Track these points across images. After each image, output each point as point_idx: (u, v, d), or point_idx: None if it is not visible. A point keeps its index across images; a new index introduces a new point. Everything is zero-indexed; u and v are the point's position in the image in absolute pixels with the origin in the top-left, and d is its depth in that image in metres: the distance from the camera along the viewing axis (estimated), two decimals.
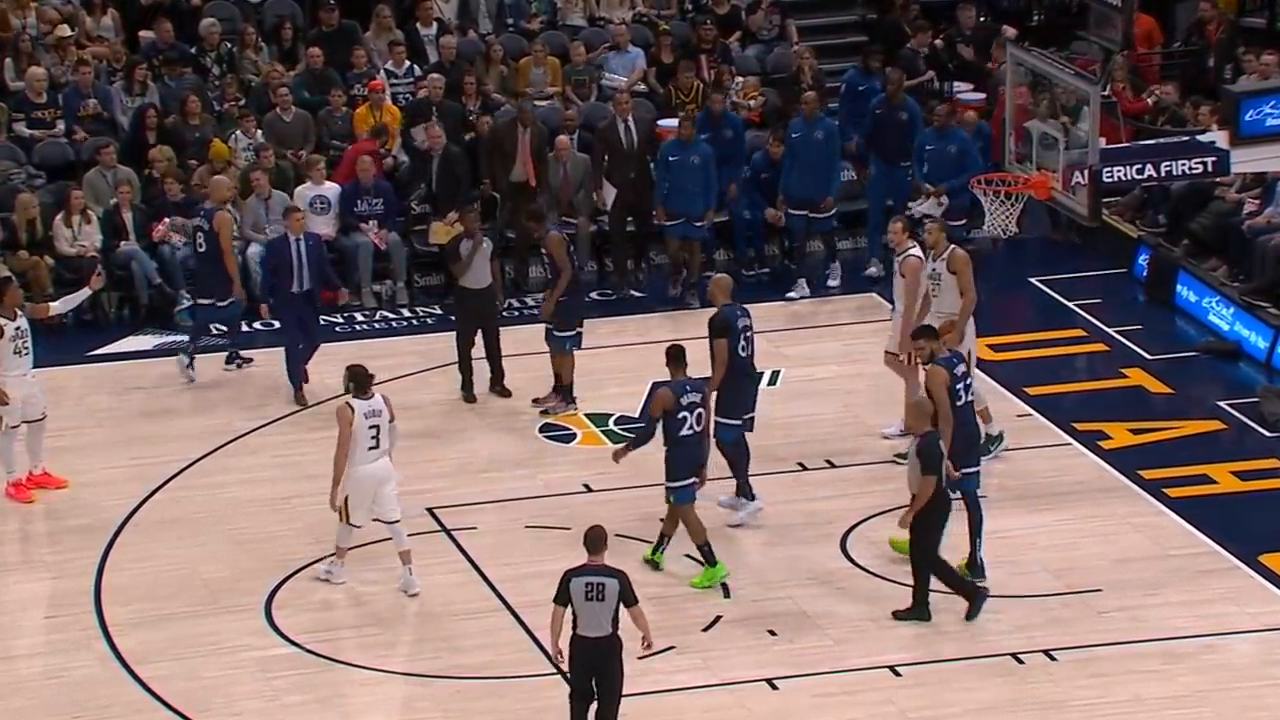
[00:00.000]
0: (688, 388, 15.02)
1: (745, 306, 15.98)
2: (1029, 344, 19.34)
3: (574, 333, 17.45)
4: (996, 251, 20.44)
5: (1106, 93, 18.12)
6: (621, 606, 12.48)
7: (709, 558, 14.99)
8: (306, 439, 17.25)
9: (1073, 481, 16.59)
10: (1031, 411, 17.81)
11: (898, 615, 14.43)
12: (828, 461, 16.88)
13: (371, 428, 14.58)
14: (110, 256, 19.91)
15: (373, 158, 20.27)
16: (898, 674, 13.95)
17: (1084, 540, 15.64)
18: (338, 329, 19.41)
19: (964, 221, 19.85)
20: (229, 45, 21.91)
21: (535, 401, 17.52)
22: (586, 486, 16.36)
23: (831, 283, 20.22)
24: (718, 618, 14.55)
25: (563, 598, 12.51)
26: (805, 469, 16.78)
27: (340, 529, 14.85)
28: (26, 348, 16.15)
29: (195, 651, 14.23)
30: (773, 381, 18.32)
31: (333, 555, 14.99)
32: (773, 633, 14.42)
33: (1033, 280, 20.71)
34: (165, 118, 20.89)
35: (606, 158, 20.21)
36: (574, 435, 17.13)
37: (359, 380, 14.72)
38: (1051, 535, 15.71)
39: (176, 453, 17.08)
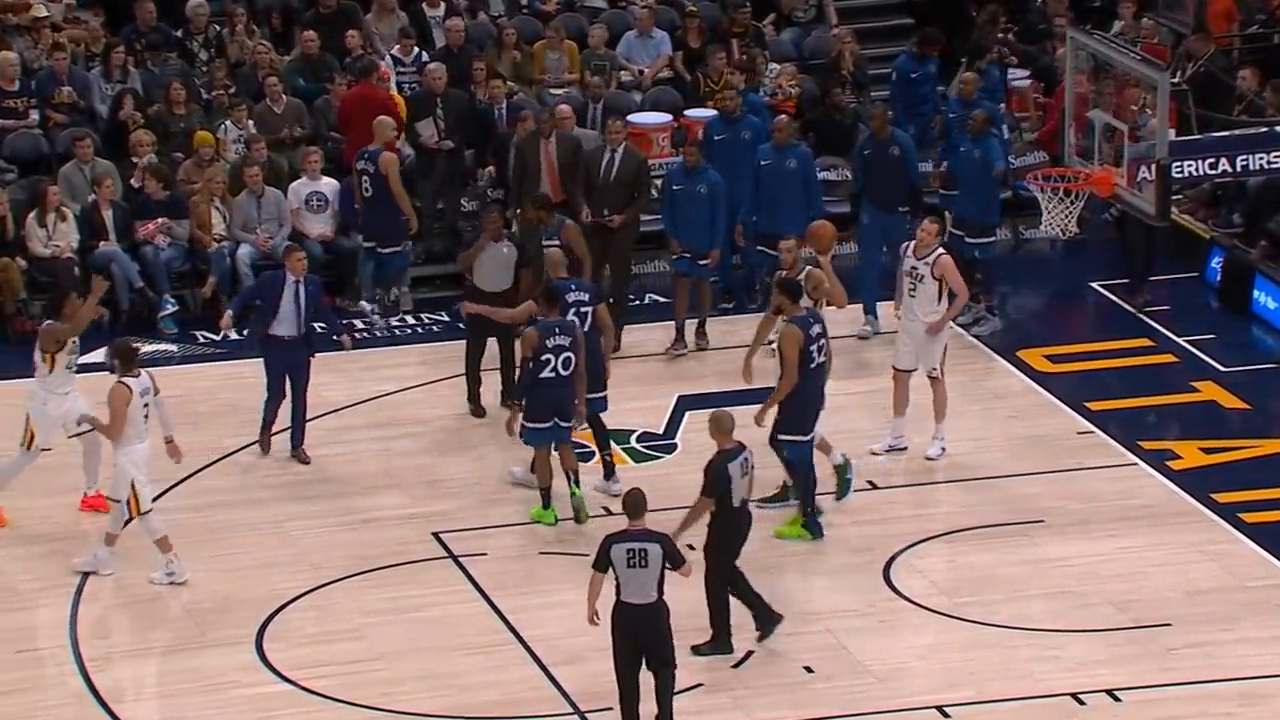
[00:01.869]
0: (556, 330, 15.73)
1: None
2: (1090, 355, 19.30)
3: None
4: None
5: (1177, 80, 18.08)
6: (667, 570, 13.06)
7: (545, 499, 15.95)
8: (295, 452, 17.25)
9: (1139, 505, 16.54)
10: (1094, 429, 17.77)
11: (696, 650, 14.29)
12: (870, 482, 16.84)
13: (144, 406, 15.18)
14: (88, 258, 19.93)
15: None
16: (946, 715, 13.91)
17: (1152, 570, 15.58)
18: (336, 338, 19.37)
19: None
20: (217, 29, 21.95)
21: None
22: (606, 509, 16.33)
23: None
24: (749, 653, 14.52)
25: (603, 564, 13.05)
26: (877, 487, 16.72)
27: (119, 519, 15.26)
28: (76, 364, 16.34)
29: (180, 689, 14.21)
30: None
31: (170, 556, 15.22)
32: (809, 669, 14.39)
33: (1094, 285, 20.67)
34: (148, 106, 20.92)
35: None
36: (593, 453, 17.09)
37: (125, 357, 15.29)
38: (1116, 564, 15.66)
39: (159, 471, 17.04)
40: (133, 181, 20.21)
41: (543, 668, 14.31)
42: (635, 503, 13.23)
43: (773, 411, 15.59)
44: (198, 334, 19.73)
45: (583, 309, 16.39)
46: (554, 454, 16.11)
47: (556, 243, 17.41)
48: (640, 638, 13.15)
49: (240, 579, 15.52)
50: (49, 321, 16.32)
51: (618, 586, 13.10)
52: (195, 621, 14.98)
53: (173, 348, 19.57)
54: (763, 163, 19.02)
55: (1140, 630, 14.80)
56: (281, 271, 17.23)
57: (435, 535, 16.02)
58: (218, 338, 19.58)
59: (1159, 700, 14.05)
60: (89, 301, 16.58)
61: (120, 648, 14.68)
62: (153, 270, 19.95)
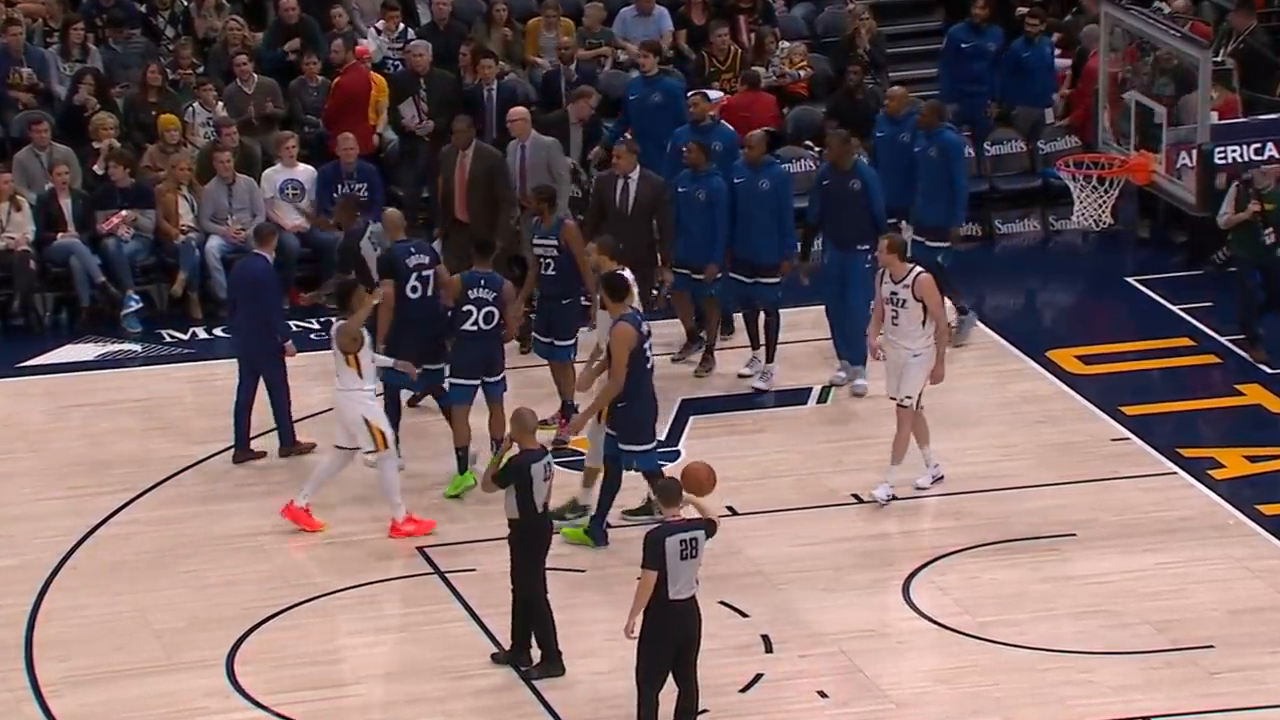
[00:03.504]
0: (481, 281, 16.34)
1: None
2: (1126, 355, 19.32)
3: (573, 341, 17.45)
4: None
5: (1219, 59, 18.14)
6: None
7: (461, 464, 16.42)
8: (276, 465, 17.27)
9: (1178, 518, 16.55)
10: (1129, 435, 17.79)
11: (526, 674, 14.35)
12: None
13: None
14: (45, 250, 19.96)
15: (359, 132, 20.25)
16: None
17: (1193, 587, 15.59)
18: (314, 336, 19.42)
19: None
20: (184, 3, 21.97)
21: (542, 424, 17.42)
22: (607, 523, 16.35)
23: (757, 384, 18.41)
24: (758, 676, 14.54)
25: (656, 560, 13.00)
26: (862, 501, 16.77)
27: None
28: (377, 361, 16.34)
29: (144, 715, 14.20)
30: (824, 398, 18.32)
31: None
32: (823, 694, 14.40)
33: (1130, 280, 20.70)
34: (110, 87, 20.93)
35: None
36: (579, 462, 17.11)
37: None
38: (1155, 581, 15.66)
39: (122, 482, 17.10)
40: (96, 168, 20.22)
41: (536, 693, 14.31)
42: (674, 491, 13.31)
43: (590, 419, 15.71)
44: (164, 333, 19.76)
45: (424, 272, 16.71)
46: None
47: (553, 242, 17.29)
48: (687, 634, 13.22)
49: (210, 597, 15.52)
50: (340, 321, 16.12)
51: (663, 584, 13.05)
52: (162, 643, 14.98)
53: (137, 348, 19.61)
54: (736, 180, 18.26)
55: (1179, 653, 14.79)
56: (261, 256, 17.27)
57: (420, 550, 16.03)
58: (185, 337, 19.60)
59: None
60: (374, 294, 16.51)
61: (80, 671, 14.67)
62: (115, 264, 19.96)
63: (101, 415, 18.29)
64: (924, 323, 16.31)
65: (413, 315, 16.58)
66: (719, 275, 18.41)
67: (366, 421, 16.05)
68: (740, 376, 18.59)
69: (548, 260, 17.29)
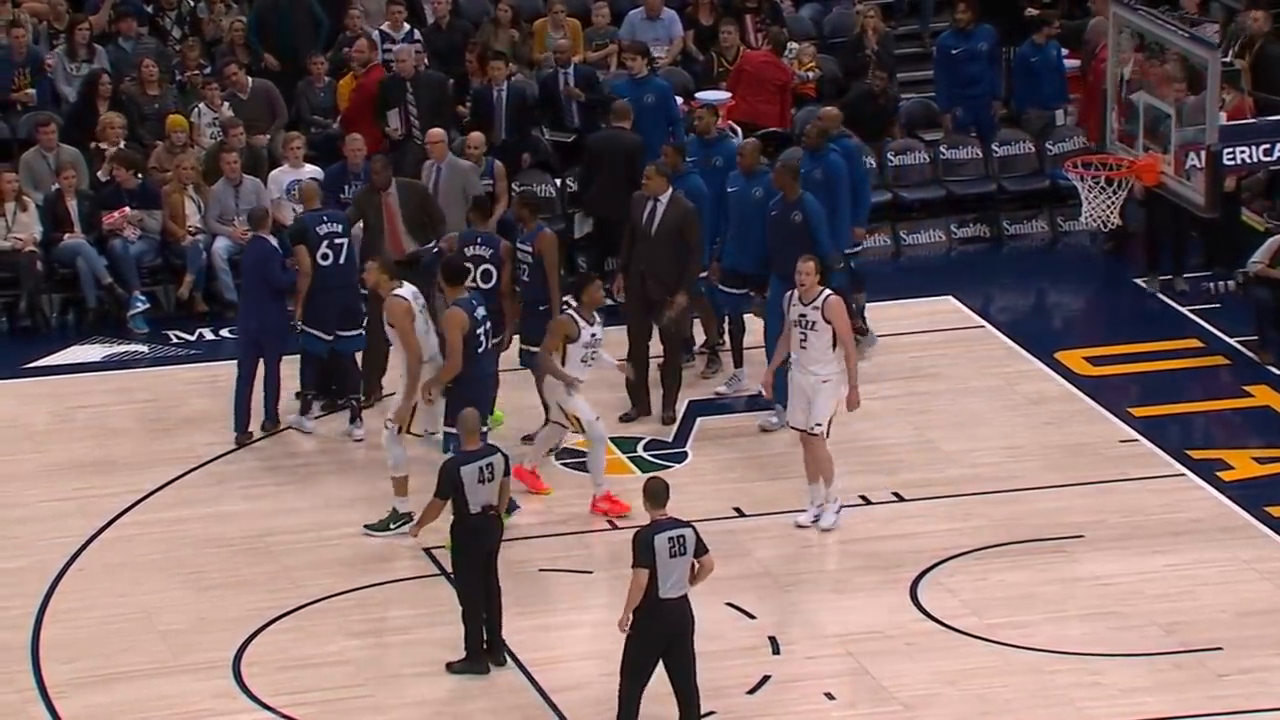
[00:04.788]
0: (478, 239, 16.90)
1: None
2: (1134, 356, 19.30)
3: None
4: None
5: (1228, 59, 18.11)
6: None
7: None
8: (283, 465, 17.29)
9: (1187, 520, 16.52)
10: (1138, 437, 17.77)
11: (449, 666, 14.46)
12: (895, 494, 16.86)
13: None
14: (51, 251, 19.95)
15: (374, 133, 20.21)
16: None
17: (1201, 589, 15.57)
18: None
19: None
20: (191, 3, 21.96)
21: (526, 439, 17.27)
22: (612, 523, 16.33)
23: (722, 388, 18.20)
24: (766, 678, 14.53)
25: (647, 559, 13.12)
26: (869, 502, 16.75)
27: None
28: (594, 358, 16.35)
29: (150, 717, 14.20)
30: None
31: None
32: (830, 696, 14.39)
33: (1138, 281, 20.68)
34: (118, 85, 20.92)
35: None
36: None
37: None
38: (1162, 583, 15.64)
39: (128, 483, 17.10)
40: (100, 175, 20.22)
41: (542, 694, 14.30)
42: (660, 492, 13.39)
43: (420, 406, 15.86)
44: (170, 334, 19.75)
45: (336, 240, 17.13)
46: None
47: (529, 249, 17.21)
48: (677, 632, 13.31)
49: (216, 598, 15.51)
50: (566, 311, 16.15)
51: (654, 584, 13.16)
52: (168, 644, 14.97)
53: (143, 349, 19.61)
54: (729, 189, 18.00)
55: (1188, 654, 14.77)
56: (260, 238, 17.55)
57: (426, 551, 16.00)
58: (192, 338, 19.59)
59: None
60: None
61: (87, 673, 14.66)
62: (121, 265, 19.95)
63: (108, 416, 18.29)
64: (833, 347, 15.90)
65: (326, 282, 16.95)
66: (701, 274, 18.07)
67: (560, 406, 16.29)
68: (716, 394, 18.32)
69: (524, 266, 17.26)
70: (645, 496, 13.47)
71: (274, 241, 17.52)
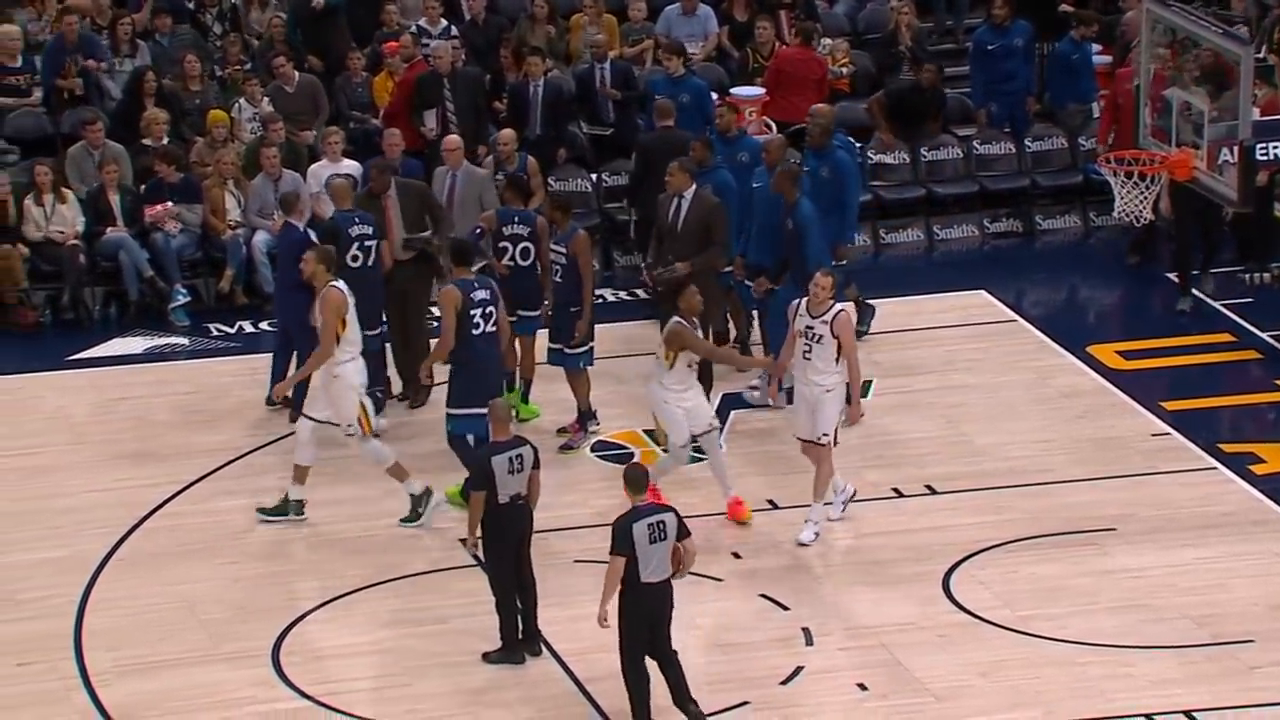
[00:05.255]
0: (515, 218, 17.11)
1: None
2: (1167, 351, 19.29)
3: (588, 348, 17.42)
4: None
5: (1261, 55, 18.11)
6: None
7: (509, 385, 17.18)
8: (320, 457, 17.30)
9: (1219, 513, 16.51)
10: (1170, 430, 17.77)
11: (486, 657, 14.53)
12: (928, 487, 16.88)
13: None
14: (94, 245, 20.07)
15: (404, 127, 20.28)
16: None
17: (1233, 582, 15.56)
18: None
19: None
20: (232, 1, 22.06)
21: (560, 431, 17.50)
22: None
23: (754, 394, 18.08)
24: (799, 668, 14.56)
25: (625, 546, 13.30)
26: (901, 495, 16.79)
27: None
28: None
29: (191, 705, 14.28)
30: (865, 393, 18.32)
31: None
32: (863, 686, 14.42)
33: (1170, 276, 20.66)
34: (159, 80, 21.02)
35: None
36: (632, 454, 17.16)
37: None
38: (1194, 576, 15.64)
39: (169, 474, 17.18)
40: (154, 175, 20.21)
41: (577, 683, 14.36)
42: (639, 478, 13.55)
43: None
44: (210, 327, 19.84)
45: (366, 242, 17.28)
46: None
47: (562, 249, 17.26)
48: (658, 617, 13.44)
49: (255, 588, 15.61)
50: (677, 319, 15.93)
51: (634, 569, 13.30)
52: (208, 633, 15.06)
53: (184, 341, 19.71)
54: (754, 185, 18.10)
55: (1219, 647, 14.77)
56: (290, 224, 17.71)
57: (462, 541, 16.06)
58: (231, 330, 19.68)
59: None
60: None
61: (128, 661, 14.76)
62: (163, 258, 20.06)
63: (149, 408, 18.38)
64: (837, 360, 15.83)
65: (353, 283, 16.73)
66: (727, 269, 18.10)
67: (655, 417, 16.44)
68: (750, 388, 18.35)
69: (557, 266, 17.31)
70: (625, 483, 13.57)
71: (303, 230, 17.51)
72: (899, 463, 17.18)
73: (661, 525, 13.41)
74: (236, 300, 20.22)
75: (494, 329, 16.14)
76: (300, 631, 15.08)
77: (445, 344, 16.06)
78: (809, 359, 15.81)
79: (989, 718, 14.07)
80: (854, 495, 16.31)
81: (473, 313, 15.97)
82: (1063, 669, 14.55)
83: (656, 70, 21.54)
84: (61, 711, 14.29)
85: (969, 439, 17.55)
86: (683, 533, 13.53)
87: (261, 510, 16.37)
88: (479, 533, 14.49)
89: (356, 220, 17.42)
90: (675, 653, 13.61)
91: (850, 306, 16.14)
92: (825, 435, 15.91)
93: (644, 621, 13.47)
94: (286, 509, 16.31)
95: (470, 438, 15.90)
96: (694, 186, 17.62)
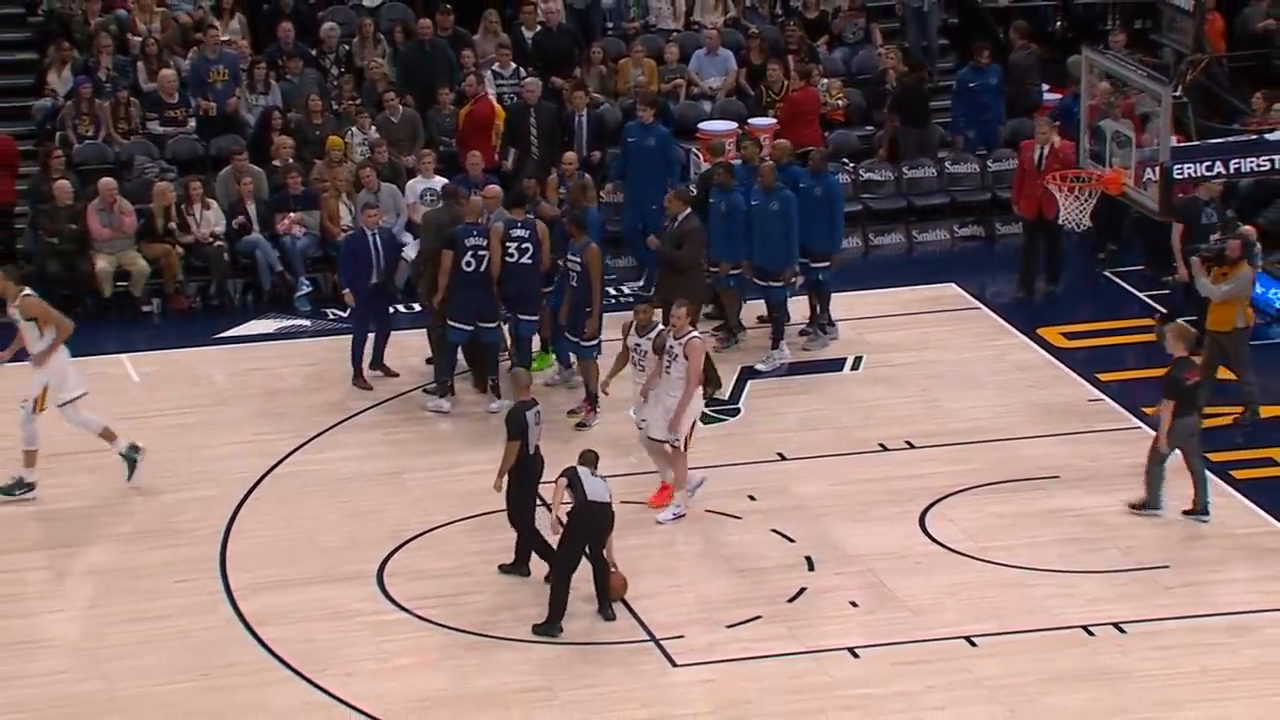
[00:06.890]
0: (518, 224, 17.14)
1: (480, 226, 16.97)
2: (1102, 332, 19.21)
3: (597, 340, 17.20)
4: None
5: (1178, 94, 18.01)
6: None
7: (543, 345, 17.77)
8: (415, 417, 17.40)
9: (1140, 465, 16.29)
10: (1103, 397, 17.71)
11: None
12: (907, 442, 16.85)
13: None
14: (235, 245, 20.17)
15: (484, 150, 20.29)
16: (974, 644, 13.94)
17: (1150, 521, 15.49)
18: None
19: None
20: (346, 48, 22.11)
21: (571, 413, 17.20)
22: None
23: (760, 365, 17.93)
24: (802, 589, 14.58)
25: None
26: (886, 449, 16.77)
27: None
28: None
29: (312, 615, 14.37)
30: (856, 366, 18.34)
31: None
32: (854, 604, 14.44)
33: (1106, 273, 20.56)
34: (287, 113, 21.08)
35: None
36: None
37: None
38: (1121, 514, 15.57)
39: (293, 430, 17.23)
40: (282, 188, 20.19)
41: (626, 604, 14.32)
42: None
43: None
44: (328, 312, 19.89)
45: (480, 251, 17.12)
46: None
47: (577, 259, 17.06)
48: (600, 530, 13.97)
49: (364, 522, 15.65)
50: (696, 335, 15.55)
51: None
52: (326, 558, 15.14)
53: (306, 323, 19.73)
54: (753, 203, 17.94)
55: (1142, 571, 14.78)
56: (361, 230, 17.76)
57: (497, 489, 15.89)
58: (345, 315, 19.75)
59: (1158, 632, 14.05)
60: None
61: (263, 580, 14.84)
62: (290, 257, 20.14)
63: (277, 378, 18.39)
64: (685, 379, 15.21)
65: (465, 282, 17.05)
66: (735, 270, 18.11)
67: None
68: (758, 368, 18.05)
69: (574, 273, 17.11)
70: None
71: (370, 236, 17.61)
72: (884, 423, 17.16)
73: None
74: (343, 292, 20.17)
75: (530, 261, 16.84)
76: (399, 557, 15.11)
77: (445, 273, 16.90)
78: (668, 374, 15.42)
79: (956, 629, 14.09)
80: (703, 481, 15.68)
81: (466, 257, 16.83)
82: (1016, 590, 14.55)
83: (689, 103, 21.49)
84: (210, 619, 14.39)
85: (940, 404, 17.54)
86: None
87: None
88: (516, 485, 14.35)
89: (474, 233, 17.14)
90: (605, 561, 13.91)
91: (701, 336, 15.74)
92: (677, 440, 15.44)
93: (590, 533, 13.85)
94: (13, 489, 15.70)
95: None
96: (688, 211, 17.64)
